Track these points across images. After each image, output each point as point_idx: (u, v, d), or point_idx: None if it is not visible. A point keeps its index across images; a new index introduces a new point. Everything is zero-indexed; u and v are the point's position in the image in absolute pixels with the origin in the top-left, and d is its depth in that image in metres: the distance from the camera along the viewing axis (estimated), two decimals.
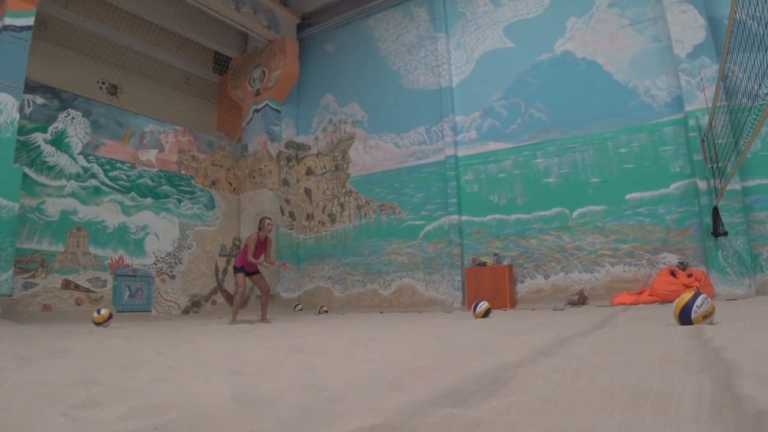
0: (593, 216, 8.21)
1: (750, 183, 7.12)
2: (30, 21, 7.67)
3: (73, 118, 8.76)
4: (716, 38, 7.49)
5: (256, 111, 11.80)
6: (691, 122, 7.50)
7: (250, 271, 6.81)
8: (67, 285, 8.24)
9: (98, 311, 5.87)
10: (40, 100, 8.33)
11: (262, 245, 6.78)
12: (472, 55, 9.86)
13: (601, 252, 8.06)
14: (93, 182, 8.88)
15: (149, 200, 9.72)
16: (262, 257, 6.79)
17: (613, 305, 7.02)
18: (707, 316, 2.91)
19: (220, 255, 10.85)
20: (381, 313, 8.51)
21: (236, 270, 6.76)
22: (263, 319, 6.77)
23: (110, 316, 5.90)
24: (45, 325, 6.47)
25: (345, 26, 11.78)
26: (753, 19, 5.90)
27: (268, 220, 6.76)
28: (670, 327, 2.99)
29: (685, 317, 2.93)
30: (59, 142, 8.50)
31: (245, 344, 3.17)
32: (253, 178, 11.44)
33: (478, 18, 9.89)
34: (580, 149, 8.49)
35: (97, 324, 5.81)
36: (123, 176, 9.38)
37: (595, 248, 8.12)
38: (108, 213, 9.02)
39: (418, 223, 9.96)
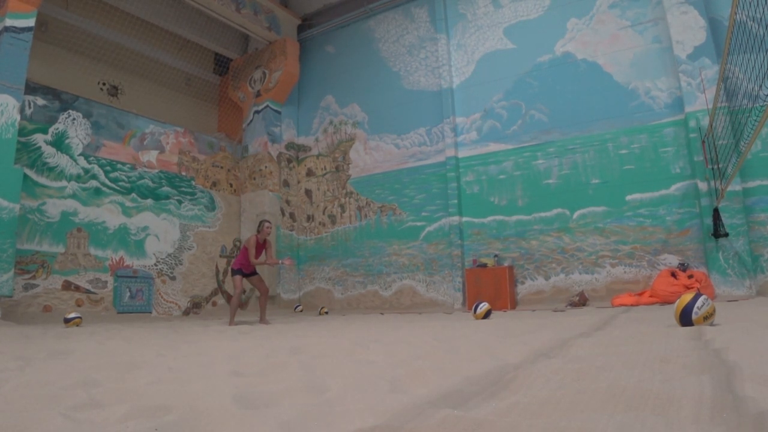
0: (594, 217, 8.21)
1: (750, 184, 7.12)
2: (31, 22, 7.69)
3: (74, 119, 8.77)
4: (717, 39, 7.49)
5: (257, 112, 11.81)
6: (692, 123, 7.50)
7: (248, 273, 6.86)
8: (67, 286, 8.24)
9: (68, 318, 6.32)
10: (40, 102, 8.34)
11: (261, 247, 6.87)
12: (472, 57, 9.86)
13: (602, 253, 8.05)
14: (93, 183, 8.89)
15: (150, 201, 9.72)
16: (263, 257, 6.85)
17: (614, 306, 7.01)
18: (708, 318, 2.91)
19: (220, 256, 10.85)
20: (381, 314, 8.50)
21: (234, 272, 6.84)
22: (262, 320, 6.79)
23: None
24: (45, 326, 6.47)
25: (346, 27, 11.79)
26: (753, 21, 5.91)
27: (267, 224, 6.85)
28: (670, 328, 2.99)
29: (685, 318, 2.93)
30: (60, 143, 8.51)
31: (245, 345, 3.17)
32: (254, 179, 11.45)
33: (479, 19, 9.90)
34: (580, 150, 8.49)
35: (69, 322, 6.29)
36: (123, 177, 9.38)
37: (595, 249, 8.11)
38: (108, 214, 9.02)
39: (418, 224, 9.96)
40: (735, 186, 7.03)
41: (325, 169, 11.51)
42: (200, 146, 10.98)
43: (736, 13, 4.71)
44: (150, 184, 9.81)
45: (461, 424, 1.00)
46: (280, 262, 6.82)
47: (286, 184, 11.64)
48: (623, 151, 8.13)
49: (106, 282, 8.78)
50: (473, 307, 5.53)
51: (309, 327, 5.30)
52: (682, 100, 7.66)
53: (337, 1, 11.89)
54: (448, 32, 10.20)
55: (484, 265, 8.58)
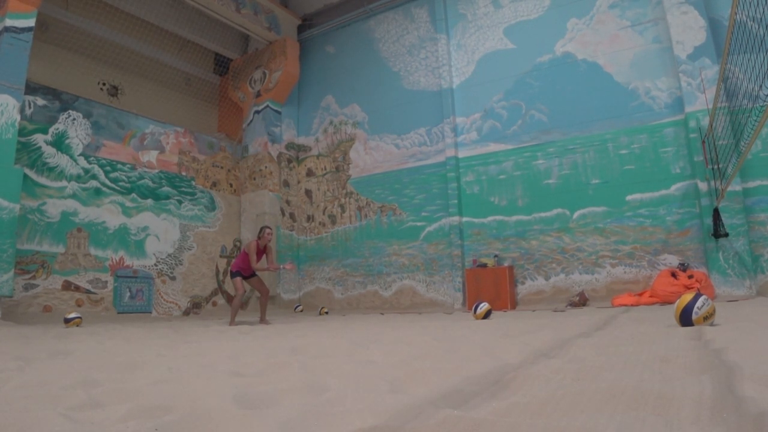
0: (594, 217, 8.21)
1: (751, 184, 7.12)
2: (31, 22, 7.68)
3: (74, 119, 8.77)
4: (717, 39, 7.49)
5: (257, 112, 11.80)
6: (692, 123, 7.50)
7: (247, 275, 6.88)
8: (67, 286, 8.24)
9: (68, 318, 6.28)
10: (40, 102, 8.34)
11: (261, 252, 6.89)
12: (472, 57, 9.86)
13: (602, 253, 8.05)
14: (94, 183, 8.89)
15: (150, 201, 9.72)
16: (264, 263, 6.88)
17: (614, 306, 7.01)
18: (708, 318, 2.91)
19: (220, 256, 10.85)
20: (381, 314, 8.50)
21: (233, 275, 6.87)
22: (262, 320, 6.80)
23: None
24: (45, 326, 6.47)
25: (346, 27, 11.79)
26: (753, 21, 5.91)
27: (268, 230, 6.89)
28: (670, 328, 2.99)
29: (685, 318, 2.93)
30: (60, 143, 8.51)
31: (245, 345, 3.17)
32: (254, 179, 11.45)
33: (479, 19, 9.90)
34: (580, 150, 8.49)
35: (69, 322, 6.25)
36: (124, 177, 9.38)
37: (595, 249, 8.11)
38: (108, 214, 9.02)
39: (418, 224, 9.95)
40: (735, 186, 7.03)
41: (325, 169, 11.51)
42: (200, 146, 10.98)
43: (736, 13, 4.71)
44: (150, 184, 9.80)
45: (461, 424, 1.00)
46: (281, 267, 6.81)
47: (286, 184, 11.64)
48: (623, 151, 8.13)
49: (106, 282, 8.78)
50: (473, 307, 5.53)
51: (309, 327, 5.30)
52: (682, 100, 7.65)
53: (337, 1, 11.89)
54: (448, 32, 10.20)
55: (484, 265, 8.58)
